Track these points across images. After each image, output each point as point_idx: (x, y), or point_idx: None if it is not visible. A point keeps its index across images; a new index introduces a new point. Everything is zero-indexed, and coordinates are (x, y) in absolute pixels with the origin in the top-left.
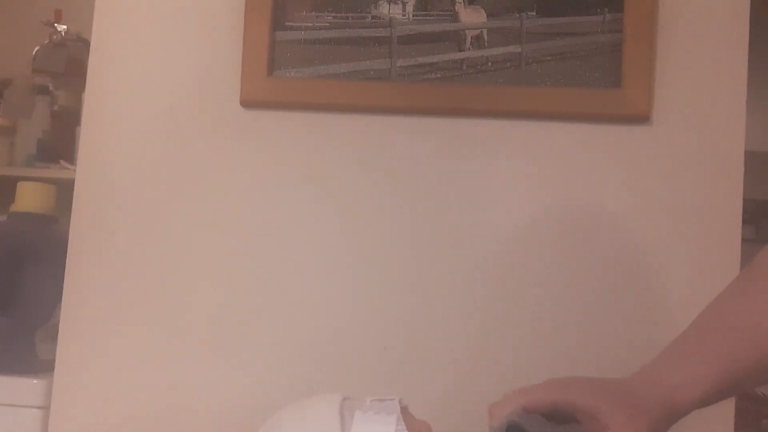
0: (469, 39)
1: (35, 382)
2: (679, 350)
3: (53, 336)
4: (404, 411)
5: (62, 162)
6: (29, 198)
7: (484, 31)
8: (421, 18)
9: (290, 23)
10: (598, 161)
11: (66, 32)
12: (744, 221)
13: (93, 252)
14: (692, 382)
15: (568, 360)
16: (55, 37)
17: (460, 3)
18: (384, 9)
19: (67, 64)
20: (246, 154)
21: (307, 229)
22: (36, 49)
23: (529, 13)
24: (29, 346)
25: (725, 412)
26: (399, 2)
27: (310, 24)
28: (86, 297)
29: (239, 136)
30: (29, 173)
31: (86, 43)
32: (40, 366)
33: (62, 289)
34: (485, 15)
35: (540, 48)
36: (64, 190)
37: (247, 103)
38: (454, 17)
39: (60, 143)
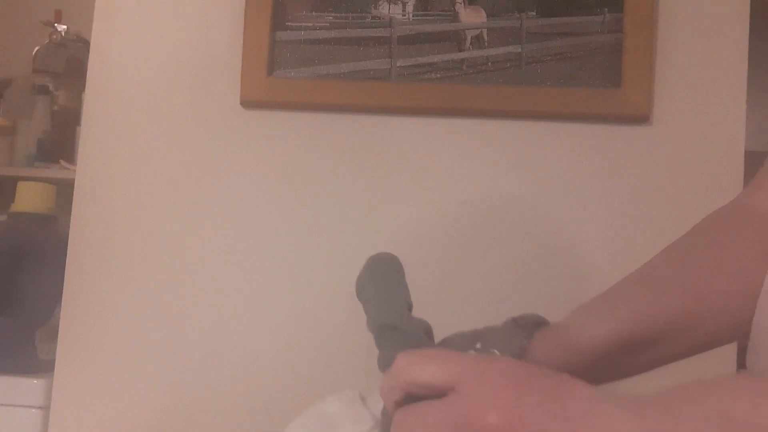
0: (469, 39)
1: (35, 382)
2: (591, 303)
3: (53, 336)
4: None
5: (62, 162)
6: (29, 198)
7: (484, 31)
8: (421, 18)
9: (290, 23)
10: (598, 161)
11: (66, 32)
12: None
13: (93, 252)
14: (594, 321)
15: None
16: (55, 37)
17: (460, 3)
18: (384, 9)
19: (67, 64)
20: (246, 154)
21: (307, 229)
22: (36, 49)
23: (529, 13)
24: (29, 346)
25: None
26: (399, 2)
27: (310, 24)
28: (86, 297)
29: (239, 136)
30: (29, 173)
31: (86, 43)
32: (40, 366)
33: (62, 289)
34: (485, 15)
35: (540, 48)
36: (64, 190)
37: (247, 103)
38: (454, 17)
39: (60, 143)
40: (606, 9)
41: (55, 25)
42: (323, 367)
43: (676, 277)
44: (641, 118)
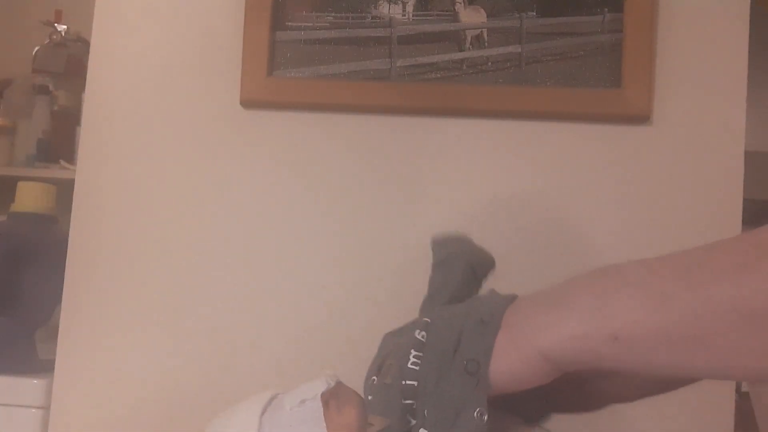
0: (469, 39)
1: (35, 382)
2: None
3: (53, 336)
4: (338, 384)
5: (62, 162)
6: (29, 198)
7: (484, 31)
8: (421, 18)
9: (290, 23)
10: (598, 161)
11: (66, 32)
12: (744, 221)
13: (93, 252)
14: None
15: None
16: (55, 37)
17: (460, 3)
18: (384, 9)
19: (67, 64)
20: (246, 154)
21: (307, 229)
22: (36, 49)
23: (529, 13)
24: (29, 346)
25: (725, 412)
26: (399, 2)
27: (310, 24)
28: (86, 297)
29: (239, 136)
30: (29, 173)
31: (86, 43)
32: (40, 366)
33: (62, 289)
34: (485, 15)
35: (540, 48)
36: (64, 190)
37: (247, 103)
38: (454, 17)
39: (60, 143)
40: (606, 9)
41: (55, 25)
42: (323, 365)
43: None
44: (641, 118)
